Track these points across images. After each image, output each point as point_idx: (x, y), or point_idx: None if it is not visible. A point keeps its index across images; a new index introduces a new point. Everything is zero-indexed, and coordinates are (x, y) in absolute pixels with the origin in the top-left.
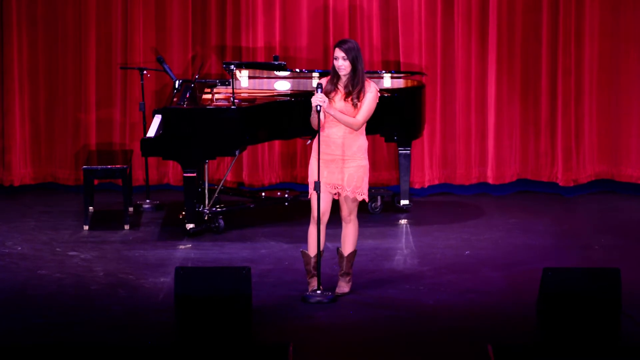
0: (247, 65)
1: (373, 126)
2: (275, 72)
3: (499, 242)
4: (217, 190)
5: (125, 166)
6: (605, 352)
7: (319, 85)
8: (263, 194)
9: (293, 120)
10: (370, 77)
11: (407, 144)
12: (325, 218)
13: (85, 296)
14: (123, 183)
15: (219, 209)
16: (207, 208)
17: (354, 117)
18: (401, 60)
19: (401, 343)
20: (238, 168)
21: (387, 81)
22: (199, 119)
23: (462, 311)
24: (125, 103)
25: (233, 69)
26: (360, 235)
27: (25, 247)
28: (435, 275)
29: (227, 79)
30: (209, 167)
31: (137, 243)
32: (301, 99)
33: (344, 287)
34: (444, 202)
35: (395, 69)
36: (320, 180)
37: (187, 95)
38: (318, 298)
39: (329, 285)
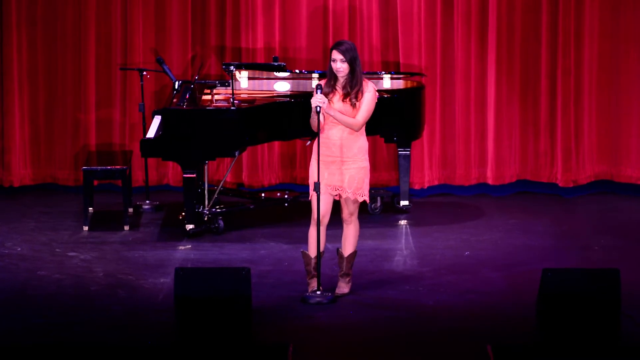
0: (247, 66)
1: (373, 127)
2: (274, 73)
3: (499, 242)
4: (217, 191)
5: (124, 167)
6: (604, 353)
7: (319, 86)
8: (263, 194)
9: (293, 121)
10: (370, 78)
11: (406, 145)
12: (325, 220)
13: (85, 296)
14: (123, 184)
15: (218, 210)
16: (206, 209)
17: (353, 117)
18: (401, 61)
19: (401, 343)
20: (238, 169)
21: (387, 82)
22: (199, 119)
23: (461, 312)
24: (124, 104)
25: (233, 70)
26: (360, 236)
27: (25, 247)
28: (435, 275)
29: (227, 79)
30: (208, 167)
31: (137, 244)
32: (301, 99)
33: (343, 287)
34: (443, 203)
35: (394, 70)
36: (321, 181)
37: (187, 96)
38: (318, 299)
39: (328, 286)
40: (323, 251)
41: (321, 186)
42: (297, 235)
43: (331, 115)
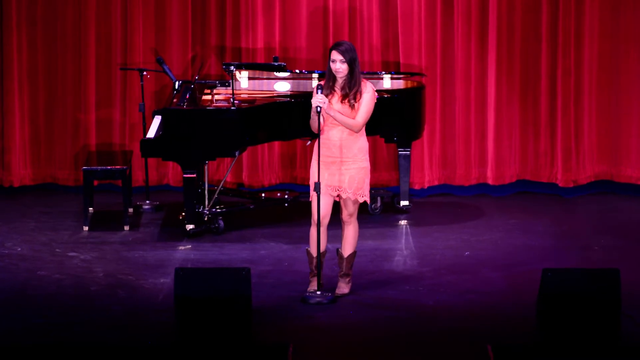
0: (247, 66)
1: (373, 127)
2: (274, 73)
3: (499, 242)
4: (217, 191)
5: (125, 167)
6: (604, 353)
7: (319, 86)
8: (263, 194)
9: (293, 121)
10: (370, 78)
11: (407, 145)
12: (325, 221)
13: (85, 296)
14: (123, 184)
15: (218, 210)
16: (206, 209)
17: (352, 118)
18: (401, 61)
19: (401, 343)
20: (238, 169)
21: (387, 82)
22: (199, 119)
23: (462, 312)
24: (124, 104)
25: (233, 70)
26: (360, 236)
27: (25, 247)
28: (435, 276)
29: (227, 79)
30: (208, 168)
31: (137, 244)
32: (301, 99)
33: (343, 288)
34: (443, 203)
35: (395, 70)
36: (321, 182)
37: (187, 96)
38: (318, 299)
39: (328, 286)
40: (324, 251)
41: (321, 187)
42: (297, 235)
43: (331, 116)
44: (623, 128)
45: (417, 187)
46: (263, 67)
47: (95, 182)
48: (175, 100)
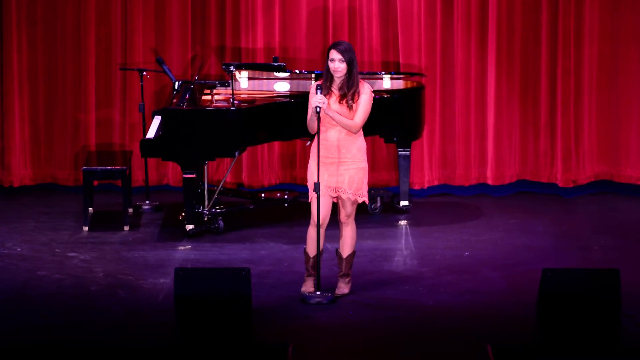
0: (247, 66)
1: (373, 127)
2: (274, 73)
3: (499, 242)
4: (217, 191)
5: (124, 167)
6: (604, 353)
7: (319, 86)
8: (262, 195)
9: (292, 121)
10: (370, 78)
11: (406, 145)
12: (325, 222)
13: (85, 296)
14: (122, 184)
15: (218, 210)
16: (206, 209)
17: (350, 119)
18: (401, 61)
19: (401, 343)
20: (237, 169)
21: (387, 82)
22: (199, 120)
23: (461, 312)
24: (124, 104)
25: (233, 70)
26: (360, 236)
27: (25, 248)
28: (434, 276)
29: (227, 80)
30: (208, 168)
31: (137, 244)
32: (301, 100)
33: (343, 288)
34: (443, 203)
35: (394, 70)
36: (320, 183)
37: (187, 96)
38: (318, 299)
39: (328, 286)
40: (322, 251)
41: (320, 188)
42: (297, 235)
43: (330, 116)
44: (623, 128)
45: (417, 187)
46: (263, 67)
47: (95, 182)
48: (175, 100)
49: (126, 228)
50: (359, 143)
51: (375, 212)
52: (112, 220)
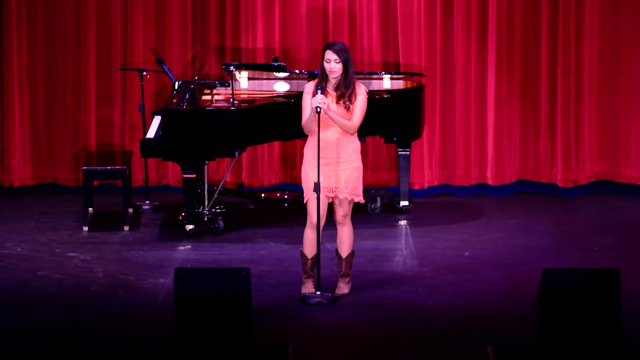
0: (247, 67)
1: (373, 127)
2: (274, 73)
3: (499, 242)
4: (217, 191)
5: (124, 167)
6: (604, 353)
7: (319, 86)
8: (262, 195)
9: (292, 121)
10: (370, 78)
11: (406, 145)
12: (323, 222)
13: (85, 296)
14: (122, 184)
15: (218, 210)
16: (206, 209)
17: (348, 120)
18: (401, 61)
19: (401, 343)
20: (237, 169)
21: (387, 82)
22: (199, 120)
23: (461, 312)
24: (124, 104)
25: (233, 70)
26: (360, 237)
27: (25, 248)
28: (434, 276)
29: (227, 80)
30: (208, 168)
31: (137, 244)
32: (301, 100)
33: (343, 288)
34: (443, 203)
35: (394, 70)
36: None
37: (187, 97)
38: (318, 299)
39: (328, 286)
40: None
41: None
42: (297, 235)
43: (329, 117)
44: (623, 128)
45: (417, 187)
46: (263, 67)
47: (95, 182)
48: (175, 100)
49: (126, 228)
50: (355, 143)
51: (375, 212)
52: (112, 220)
